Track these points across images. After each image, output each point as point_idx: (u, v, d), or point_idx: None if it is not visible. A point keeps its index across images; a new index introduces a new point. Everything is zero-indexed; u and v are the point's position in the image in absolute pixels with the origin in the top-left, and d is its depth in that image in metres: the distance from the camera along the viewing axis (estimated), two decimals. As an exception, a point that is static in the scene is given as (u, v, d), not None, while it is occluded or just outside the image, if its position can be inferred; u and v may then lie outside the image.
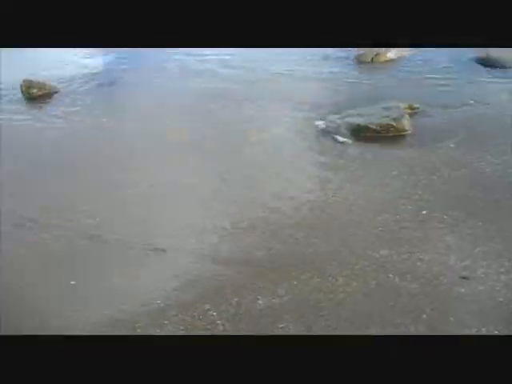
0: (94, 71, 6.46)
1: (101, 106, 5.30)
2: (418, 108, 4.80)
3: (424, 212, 3.23)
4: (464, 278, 2.70)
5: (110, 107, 5.29)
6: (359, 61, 6.24)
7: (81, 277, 2.86)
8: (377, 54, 6.27)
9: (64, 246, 3.13)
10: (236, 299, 2.61)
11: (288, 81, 5.71)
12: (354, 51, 6.34)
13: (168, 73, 6.24)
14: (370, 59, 6.23)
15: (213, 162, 4.02)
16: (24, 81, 5.70)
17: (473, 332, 2.35)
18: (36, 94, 5.64)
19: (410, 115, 4.60)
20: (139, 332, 2.45)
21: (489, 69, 5.75)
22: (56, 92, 5.74)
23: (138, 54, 6.97)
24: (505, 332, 2.34)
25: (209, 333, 2.40)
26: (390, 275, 2.72)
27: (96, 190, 3.72)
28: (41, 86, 5.75)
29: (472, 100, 4.89)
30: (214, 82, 5.81)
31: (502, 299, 2.54)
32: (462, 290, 2.61)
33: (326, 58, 6.40)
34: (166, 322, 2.50)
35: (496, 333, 2.34)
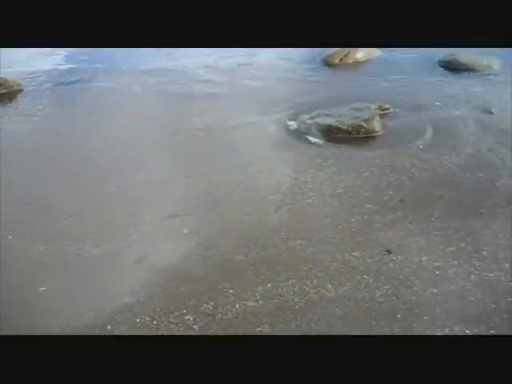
0: (62, 68, 6.34)
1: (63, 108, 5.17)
2: (388, 109, 4.88)
3: (395, 213, 3.28)
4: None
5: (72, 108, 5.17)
6: (328, 61, 6.29)
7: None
8: (346, 55, 6.33)
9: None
10: (212, 303, 2.60)
11: (256, 82, 5.70)
12: (322, 52, 6.39)
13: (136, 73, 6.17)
14: (338, 60, 6.29)
15: (179, 166, 3.97)
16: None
17: (446, 331, 2.40)
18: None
19: (381, 116, 4.67)
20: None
21: (455, 72, 5.91)
22: (21, 90, 5.57)
23: (110, 53, 6.91)
24: (475, 330, 2.40)
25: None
26: (365, 276, 2.75)
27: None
28: (3, 82, 5.54)
29: (438, 102, 5.00)
30: (178, 83, 5.77)
31: (472, 298, 2.60)
32: (435, 290, 2.66)
33: (294, 58, 6.45)
34: (139, 326, 2.47)
35: (467, 332, 2.40)
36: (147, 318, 2.51)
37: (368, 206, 3.37)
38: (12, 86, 5.54)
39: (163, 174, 3.84)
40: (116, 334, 2.42)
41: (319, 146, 4.23)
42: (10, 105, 5.28)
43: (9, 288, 2.76)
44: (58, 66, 6.43)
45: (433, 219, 3.22)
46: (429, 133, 4.39)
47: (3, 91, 5.48)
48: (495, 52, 6.25)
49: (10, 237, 3.17)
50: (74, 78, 5.88)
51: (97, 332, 2.44)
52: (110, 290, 2.72)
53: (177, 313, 2.54)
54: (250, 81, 5.72)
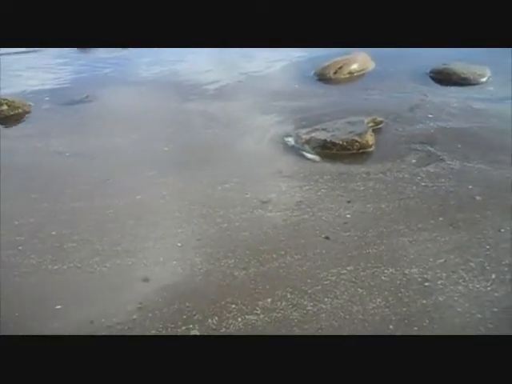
0: (62, 86, 6.55)
1: (70, 129, 5.35)
2: (381, 122, 5.06)
3: (387, 227, 3.47)
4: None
5: (87, 128, 5.35)
6: (323, 74, 6.47)
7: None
8: (340, 68, 6.52)
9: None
10: (216, 318, 2.78)
11: (252, 97, 5.90)
12: (317, 64, 6.60)
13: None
14: (333, 72, 6.48)
15: (180, 183, 4.15)
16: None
17: (433, 341, 2.58)
18: (8, 114, 5.59)
19: (375, 130, 4.86)
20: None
21: (447, 83, 6.09)
22: (27, 112, 5.75)
23: (109, 63, 7.16)
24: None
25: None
26: (359, 289, 2.94)
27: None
28: (11, 104, 5.65)
29: (431, 114, 5.19)
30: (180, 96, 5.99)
31: (460, 309, 2.78)
32: (424, 301, 2.84)
33: (288, 71, 6.66)
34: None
35: (454, 341, 2.57)
36: (156, 333, 2.69)
37: (361, 220, 3.55)
38: (19, 108, 5.68)
39: (168, 192, 4.01)
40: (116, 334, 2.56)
41: (315, 161, 4.42)
42: (18, 126, 5.47)
43: (24, 307, 2.93)
44: (61, 83, 6.64)
45: (423, 232, 3.40)
46: (422, 147, 4.57)
47: (11, 113, 5.63)
48: (488, 61, 6.46)
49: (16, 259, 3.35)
50: (79, 97, 6.05)
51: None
52: (119, 306, 2.90)
53: (184, 327, 2.72)
54: (243, 96, 5.91)
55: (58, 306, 2.91)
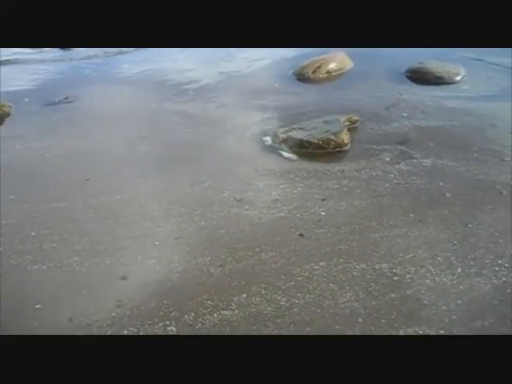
0: (42, 86, 6.57)
1: (52, 130, 5.39)
2: (357, 121, 5.18)
3: (359, 223, 3.58)
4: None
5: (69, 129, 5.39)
6: (301, 74, 6.57)
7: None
8: (319, 67, 6.63)
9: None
10: (193, 314, 2.87)
11: (230, 97, 5.98)
12: (295, 63, 6.70)
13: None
14: (311, 72, 6.58)
15: (162, 184, 4.22)
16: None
17: (400, 332, 2.69)
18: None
19: (350, 129, 4.97)
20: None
21: (423, 82, 6.23)
22: (7, 113, 5.76)
23: (90, 63, 7.20)
24: (427, 331, 2.70)
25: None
26: (330, 284, 3.05)
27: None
28: None
29: (405, 113, 5.32)
30: (166, 95, 6.05)
31: (426, 302, 2.90)
32: (392, 294, 2.96)
33: (267, 71, 6.75)
34: (125, 333, 2.72)
35: (420, 332, 2.69)
36: (134, 330, 2.77)
37: (335, 218, 3.66)
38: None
39: (148, 192, 4.08)
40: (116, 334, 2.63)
41: (292, 160, 4.52)
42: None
43: (3, 306, 2.99)
44: (41, 84, 6.67)
45: (394, 229, 3.52)
46: (396, 145, 4.69)
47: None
48: (462, 59, 6.62)
49: None
50: (59, 98, 6.08)
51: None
52: (98, 304, 2.97)
53: (161, 324, 2.81)
54: (223, 96, 6.00)
55: (38, 306, 2.98)
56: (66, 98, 6.08)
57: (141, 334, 2.75)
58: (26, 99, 6.12)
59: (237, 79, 6.64)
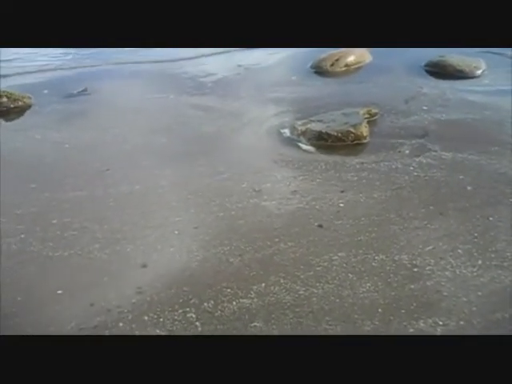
0: (61, 79, 6.63)
1: (72, 121, 5.44)
2: (377, 114, 5.15)
3: (379, 215, 3.57)
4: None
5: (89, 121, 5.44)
6: (319, 67, 6.55)
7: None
8: (337, 60, 6.60)
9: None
10: (212, 301, 2.88)
11: (249, 90, 5.98)
12: (313, 56, 6.68)
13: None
14: (329, 65, 6.56)
15: (180, 174, 4.24)
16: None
17: (420, 323, 2.68)
18: (8, 106, 5.65)
19: (370, 121, 4.94)
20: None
21: (443, 75, 6.18)
22: (28, 104, 5.82)
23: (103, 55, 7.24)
24: (447, 322, 2.68)
25: (189, 332, 2.66)
26: (349, 275, 3.04)
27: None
28: (10, 96, 5.69)
29: (425, 106, 5.28)
30: (182, 91, 6.07)
31: (446, 293, 2.89)
32: (412, 285, 2.94)
33: (284, 64, 6.74)
34: (148, 323, 2.75)
35: (440, 323, 2.68)
36: (154, 316, 2.79)
37: (354, 209, 3.65)
38: (19, 100, 5.74)
39: (166, 182, 4.11)
40: (116, 334, 2.63)
41: (310, 152, 4.51)
42: (18, 119, 5.55)
43: (26, 291, 3.04)
44: (60, 76, 6.72)
45: (414, 221, 3.50)
46: (415, 138, 4.66)
47: (11, 106, 5.70)
48: (483, 53, 6.54)
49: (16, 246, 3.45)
50: (78, 90, 6.13)
51: (107, 332, 2.71)
52: (119, 291, 3.00)
53: (180, 310, 2.83)
54: (241, 89, 6.00)
55: (60, 291, 3.01)
56: (84, 90, 6.13)
57: (160, 320, 2.77)
58: (46, 91, 6.18)
59: (254, 72, 6.64)
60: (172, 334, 2.64)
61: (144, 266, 3.19)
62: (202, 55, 7.24)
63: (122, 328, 2.72)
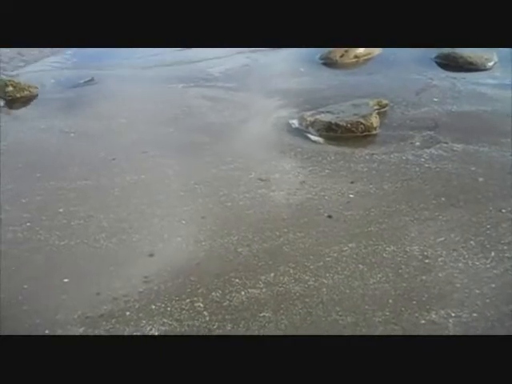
0: (66, 69, 6.58)
1: (76, 111, 5.39)
2: (387, 105, 5.08)
3: (389, 206, 3.51)
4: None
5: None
6: (328, 58, 6.47)
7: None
8: (346, 52, 6.51)
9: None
10: (220, 291, 2.84)
11: (258, 81, 5.92)
12: (322, 48, 6.59)
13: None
14: (339, 56, 6.48)
15: (185, 165, 4.19)
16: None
17: (432, 314, 2.63)
18: (14, 96, 5.62)
19: (380, 113, 4.88)
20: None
21: (454, 68, 6.09)
22: (34, 94, 5.77)
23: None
24: (459, 313, 2.63)
25: (196, 322, 2.62)
26: (360, 265, 2.99)
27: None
28: (16, 85, 5.66)
29: (436, 98, 5.20)
30: (185, 81, 6.02)
31: (458, 285, 2.83)
32: (423, 277, 2.89)
33: (293, 55, 6.66)
34: (155, 312, 2.70)
35: (452, 314, 2.63)
36: (162, 305, 2.75)
37: (364, 200, 3.59)
38: (24, 89, 5.70)
39: (173, 172, 4.06)
40: (116, 333, 2.57)
41: (319, 143, 4.45)
42: (24, 108, 5.51)
43: (33, 279, 3.00)
44: (66, 66, 6.68)
45: (425, 212, 3.44)
46: (426, 130, 4.59)
47: (17, 95, 5.65)
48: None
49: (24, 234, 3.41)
50: (84, 79, 6.08)
51: (114, 320, 2.67)
52: (125, 280, 2.96)
53: (188, 300, 2.78)
54: (249, 80, 5.94)
55: (66, 280, 2.98)
56: (90, 80, 6.08)
57: (168, 309, 2.72)
58: (52, 80, 6.14)
59: (263, 63, 6.56)
60: (172, 334, 2.56)
61: (151, 255, 3.15)
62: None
63: (128, 317, 2.68)
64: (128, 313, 2.71)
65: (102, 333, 2.56)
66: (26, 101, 5.63)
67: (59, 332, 2.56)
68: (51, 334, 2.57)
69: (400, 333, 2.52)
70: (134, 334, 2.56)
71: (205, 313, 2.69)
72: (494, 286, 2.81)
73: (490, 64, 6.14)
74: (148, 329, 2.59)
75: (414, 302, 2.71)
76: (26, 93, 5.71)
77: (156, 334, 2.56)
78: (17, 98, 5.65)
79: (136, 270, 3.03)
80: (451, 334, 2.50)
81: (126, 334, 2.56)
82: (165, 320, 2.65)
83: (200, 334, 2.55)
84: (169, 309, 2.72)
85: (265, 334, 2.54)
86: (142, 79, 6.17)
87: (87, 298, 2.82)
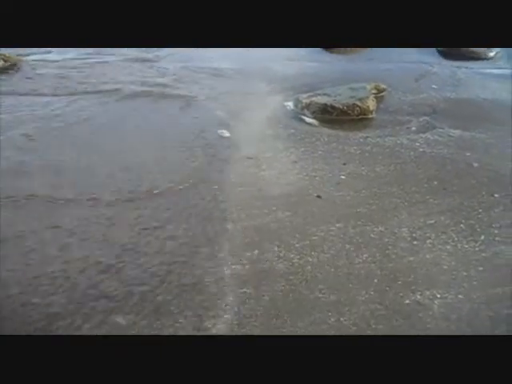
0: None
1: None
2: (384, 89, 5.01)
3: (380, 188, 3.45)
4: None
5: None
6: (330, 44, 6.39)
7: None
8: (348, 38, 6.42)
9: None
10: (201, 269, 2.78)
11: (256, 64, 5.85)
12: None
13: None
14: (340, 42, 6.39)
15: (177, 147, 4.13)
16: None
17: (417, 295, 2.58)
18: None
19: (377, 97, 4.81)
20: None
21: (455, 56, 6.02)
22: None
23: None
24: (445, 295, 2.58)
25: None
26: (346, 245, 2.93)
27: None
28: (7, 59, 5.62)
29: (435, 85, 5.13)
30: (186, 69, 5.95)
31: (446, 267, 2.78)
32: (411, 258, 2.83)
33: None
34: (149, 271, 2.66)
35: (438, 296, 2.57)
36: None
37: (355, 182, 3.53)
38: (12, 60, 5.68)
39: (169, 153, 4.02)
40: (117, 333, 2.52)
41: (314, 125, 4.39)
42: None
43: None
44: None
45: (416, 195, 3.39)
46: (422, 116, 4.53)
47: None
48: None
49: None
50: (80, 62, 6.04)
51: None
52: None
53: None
54: (246, 63, 5.87)
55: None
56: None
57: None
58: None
59: (262, 48, 6.47)
60: (172, 334, 2.52)
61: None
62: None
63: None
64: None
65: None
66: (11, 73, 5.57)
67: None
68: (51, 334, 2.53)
69: (383, 312, 2.47)
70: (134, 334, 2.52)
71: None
72: (481, 268, 2.75)
73: (492, 53, 6.08)
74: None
75: (400, 283, 2.66)
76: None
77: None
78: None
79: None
80: (436, 315, 2.46)
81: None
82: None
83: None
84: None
85: (245, 310, 2.49)
86: (130, 67, 6.11)
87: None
